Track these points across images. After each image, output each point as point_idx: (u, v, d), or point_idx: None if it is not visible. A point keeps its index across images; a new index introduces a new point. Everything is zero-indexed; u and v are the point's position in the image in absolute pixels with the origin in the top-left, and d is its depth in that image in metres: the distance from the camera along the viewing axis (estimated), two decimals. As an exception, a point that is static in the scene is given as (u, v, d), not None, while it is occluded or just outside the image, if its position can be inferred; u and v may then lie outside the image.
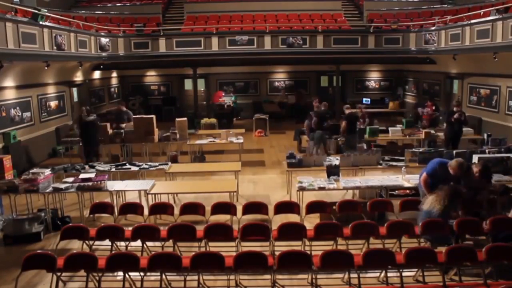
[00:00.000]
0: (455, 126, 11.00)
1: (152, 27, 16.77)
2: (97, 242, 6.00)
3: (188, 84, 20.81)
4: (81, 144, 11.43)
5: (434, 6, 18.82)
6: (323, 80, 21.31)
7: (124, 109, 13.01)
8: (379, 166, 8.68)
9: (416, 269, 5.44)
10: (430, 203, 5.85)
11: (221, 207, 6.66)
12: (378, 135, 11.83)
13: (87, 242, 6.04)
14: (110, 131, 11.72)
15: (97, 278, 5.11)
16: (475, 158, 7.82)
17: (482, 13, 13.03)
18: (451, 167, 6.21)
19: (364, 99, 19.73)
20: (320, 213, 7.03)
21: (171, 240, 5.84)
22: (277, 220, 6.53)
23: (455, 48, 13.42)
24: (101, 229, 5.92)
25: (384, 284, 5.19)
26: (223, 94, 20.12)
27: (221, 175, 9.94)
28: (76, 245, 6.51)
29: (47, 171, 7.84)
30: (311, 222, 6.72)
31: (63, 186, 7.60)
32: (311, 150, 11.21)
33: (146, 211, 6.82)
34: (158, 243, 6.07)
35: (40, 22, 10.71)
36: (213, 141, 12.00)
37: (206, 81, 20.99)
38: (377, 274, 5.47)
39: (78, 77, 15.83)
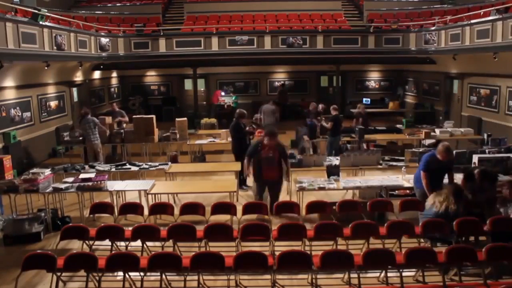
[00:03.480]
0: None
1: (152, 27, 16.77)
2: (97, 242, 6.00)
3: (188, 84, 20.80)
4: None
5: (434, 6, 18.81)
6: (323, 80, 21.30)
7: (117, 109, 13.32)
8: (379, 166, 8.69)
9: (416, 269, 5.44)
10: (439, 203, 5.81)
11: (221, 207, 6.66)
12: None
13: (87, 242, 6.04)
14: (109, 131, 11.72)
15: (97, 278, 5.10)
16: (475, 158, 7.82)
17: (482, 13, 13.02)
18: (439, 152, 6.45)
19: (364, 99, 19.72)
20: (320, 213, 7.03)
21: (171, 240, 5.83)
22: (277, 220, 6.53)
23: (455, 48, 13.42)
24: (101, 229, 5.92)
25: (384, 284, 5.19)
26: (223, 93, 20.07)
27: (221, 175, 9.93)
28: (76, 245, 6.50)
29: (47, 171, 7.82)
30: (311, 222, 6.72)
31: (63, 186, 7.59)
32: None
33: (146, 211, 6.82)
34: (158, 243, 6.06)
35: (40, 22, 10.70)
36: (213, 141, 11.99)
37: (206, 81, 20.98)
38: (377, 274, 5.47)
39: (78, 77, 15.83)
